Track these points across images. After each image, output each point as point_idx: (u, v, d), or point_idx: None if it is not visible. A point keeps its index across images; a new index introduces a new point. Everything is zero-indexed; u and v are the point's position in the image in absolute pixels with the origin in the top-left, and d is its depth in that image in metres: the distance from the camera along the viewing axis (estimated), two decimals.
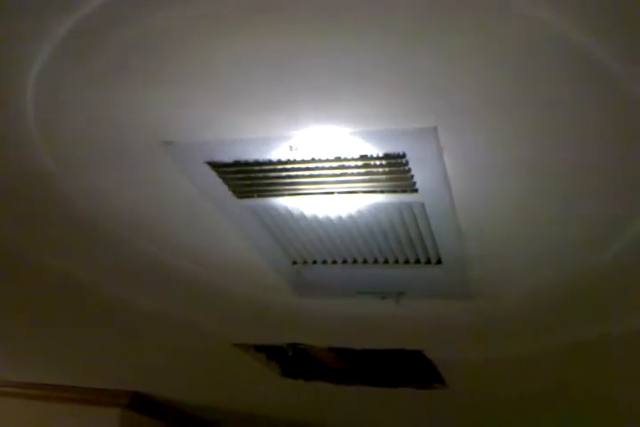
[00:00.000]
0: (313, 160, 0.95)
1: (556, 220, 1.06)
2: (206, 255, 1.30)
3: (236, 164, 0.98)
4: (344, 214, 1.09)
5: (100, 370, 2.60)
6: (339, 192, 1.02)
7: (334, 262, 1.27)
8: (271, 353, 2.08)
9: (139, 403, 2.81)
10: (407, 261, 1.25)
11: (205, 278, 1.44)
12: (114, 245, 1.33)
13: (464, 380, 2.03)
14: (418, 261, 1.24)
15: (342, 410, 2.70)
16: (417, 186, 0.98)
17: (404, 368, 2.09)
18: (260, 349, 2.01)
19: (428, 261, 1.24)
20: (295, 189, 1.02)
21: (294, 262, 1.29)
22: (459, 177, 0.96)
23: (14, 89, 0.88)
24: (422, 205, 1.03)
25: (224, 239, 1.23)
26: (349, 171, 0.97)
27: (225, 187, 1.04)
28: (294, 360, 2.16)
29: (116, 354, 2.31)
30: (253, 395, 2.64)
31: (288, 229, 1.16)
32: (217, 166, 0.99)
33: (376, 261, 1.26)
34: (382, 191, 0.99)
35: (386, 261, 1.25)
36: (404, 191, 0.99)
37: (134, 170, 1.03)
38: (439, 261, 1.23)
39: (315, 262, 1.29)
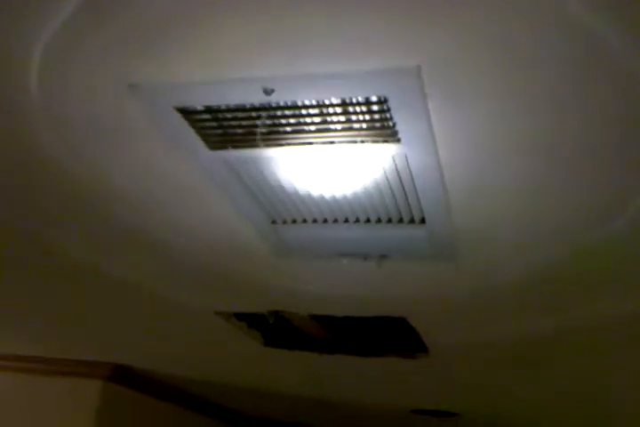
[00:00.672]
0: (290, 106, 0.90)
1: (548, 183, 1.02)
2: (179, 215, 1.25)
3: (208, 110, 0.92)
4: (324, 168, 1.04)
5: (81, 342, 2.56)
6: (319, 143, 0.97)
7: (315, 222, 1.23)
8: (253, 322, 2.04)
9: (120, 375, 2.78)
10: (390, 220, 1.20)
11: (180, 242, 1.39)
12: (86, 209, 1.28)
13: (447, 349, 2.01)
14: (401, 221, 1.20)
15: (325, 381, 2.68)
16: (400, 135, 0.93)
17: (388, 337, 2.07)
18: (241, 317, 1.97)
19: (412, 221, 1.19)
20: (272, 140, 0.97)
21: (273, 222, 1.25)
22: (444, 131, 0.92)
23: (20, 61, 0.86)
24: (405, 158, 0.98)
25: (197, 197, 1.17)
26: (330, 118, 0.92)
27: (196, 137, 0.98)
28: (276, 330, 2.13)
29: (95, 325, 2.27)
30: (236, 366, 2.61)
31: (266, 185, 1.11)
32: (187, 113, 0.93)
33: (357, 220, 1.21)
34: (363, 141, 0.94)
35: (368, 221, 1.21)
36: (385, 141, 0.94)
37: (105, 119, 0.98)
38: (423, 221, 1.19)
39: (294, 222, 1.24)
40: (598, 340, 1.81)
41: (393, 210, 1.16)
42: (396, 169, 1.03)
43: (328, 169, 1.04)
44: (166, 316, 2.04)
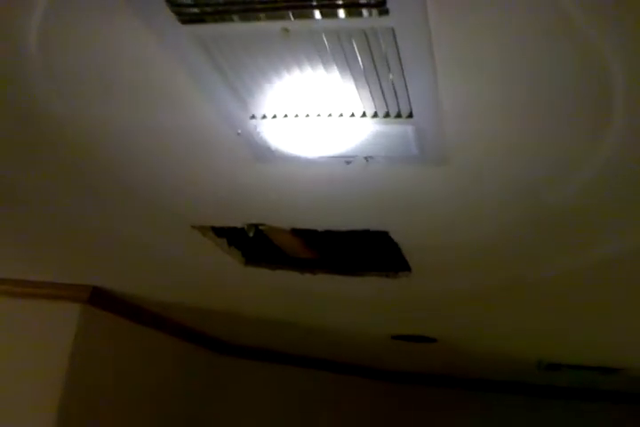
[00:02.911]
0: None
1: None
2: (147, 104, 1.17)
3: None
4: (306, 50, 0.96)
5: (58, 263, 2.51)
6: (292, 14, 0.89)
7: (296, 116, 1.16)
8: (233, 240, 2.00)
9: (99, 298, 2.76)
10: (376, 115, 1.13)
11: (149, 145, 1.32)
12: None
13: (430, 268, 1.99)
14: (387, 115, 1.13)
15: (306, 304, 2.68)
16: (387, 6, 0.85)
17: (370, 256, 2.04)
18: (220, 233, 1.93)
19: (399, 115, 1.13)
20: (252, 9, 0.89)
21: (252, 117, 1.18)
22: (440, 10, 0.84)
23: (19, 22, 0.87)
24: (392, 33, 0.90)
25: (166, 83, 1.09)
26: None
27: (165, 6, 0.89)
28: (257, 248, 2.09)
29: (72, 245, 2.22)
30: (215, 288, 2.59)
31: (244, 70, 1.03)
32: None
33: (342, 115, 1.15)
34: (346, 5, 0.86)
35: (352, 115, 1.14)
36: (369, 5, 0.86)
37: None
38: (410, 115, 1.13)
39: (275, 117, 1.17)
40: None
41: (379, 102, 1.10)
42: (381, 48, 0.95)
43: (311, 52, 0.97)
44: (142, 234, 1.99)
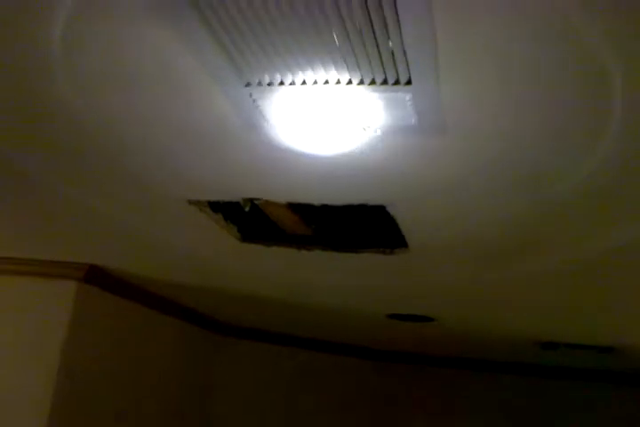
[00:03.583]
0: None
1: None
2: (139, 78, 1.15)
3: None
4: (303, 11, 0.94)
5: (54, 242, 2.49)
6: None
7: (292, 84, 1.13)
8: (229, 215, 1.99)
9: (95, 276, 2.75)
10: (373, 82, 1.11)
11: (142, 118, 1.30)
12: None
13: (427, 245, 1.98)
14: (385, 82, 1.11)
15: (302, 281, 2.67)
16: None
17: (367, 232, 2.03)
18: (216, 209, 1.91)
19: (397, 82, 1.11)
20: None
21: (247, 84, 1.15)
22: None
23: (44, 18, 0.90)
24: None
25: (159, 52, 1.07)
26: None
27: None
28: (254, 225, 2.08)
29: (68, 223, 2.20)
30: (212, 267, 2.58)
31: (237, 34, 1.01)
32: None
33: (338, 82, 1.12)
34: None
35: (349, 82, 1.12)
36: None
37: None
38: (409, 82, 1.10)
39: (270, 84, 1.14)
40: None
41: (377, 68, 1.07)
42: (383, 15, 0.93)
43: (307, 13, 0.94)
44: (138, 211, 1.97)
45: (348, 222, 1.97)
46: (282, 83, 1.14)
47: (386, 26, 0.96)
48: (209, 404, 4.00)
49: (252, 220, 2.03)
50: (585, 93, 1.08)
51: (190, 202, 1.80)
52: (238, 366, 4.23)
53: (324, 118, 1.24)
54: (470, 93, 1.12)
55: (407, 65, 1.06)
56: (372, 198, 1.63)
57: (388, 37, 0.99)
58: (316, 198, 1.68)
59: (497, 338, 3.61)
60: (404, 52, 1.02)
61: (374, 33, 0.98)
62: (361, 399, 4.72)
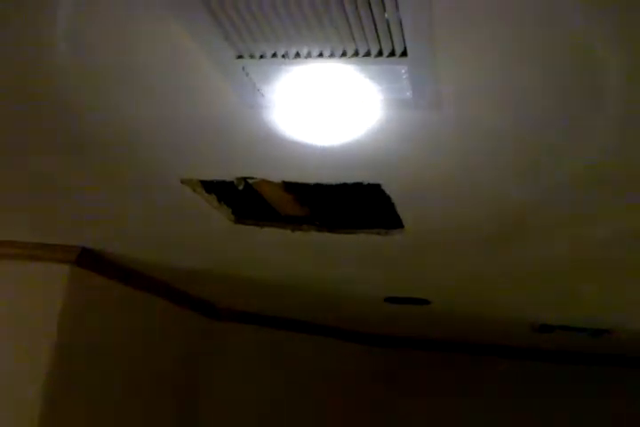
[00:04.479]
0: None
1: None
2: (128, 43, 1.12)
3: None
4: None
5: (44, 224, 2.47)
6: None
7: (284, 56, 1.11)
8: (222, 195, 1.96)
9: (87, 260, 2.73)
10: (368, 54, 1.09)
11: (134, 91, 1.27)
12: None
13: (422, 222, 1.96)
14: (380, 54, 1.08)
15: (297, 264, 2.65)
16: None
17: (362, 213, 2.01)
18: (209, 189, 1.89)
19: (392, 53, 1.08)
20: None
21: (239, 56, 1.12)
22: None
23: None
24: None
25: (145, 17, 1.04)
26: None
27: None
28: (247, 206, 2.05)
29: (58, 206, 2.17)
30: (206, 249, 2.57)
31: (228, 3, 0.98)
32: None
33: (332, 55, 1.10)
34: None
35: (344, 54, 1.09)
36: None
37: None
38: (404, 53, 1.08)
39: (262, 57, 1.12)
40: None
41: (372, 39, 1.05)
42: None
43: None
44: (130, 193, 1.94)
45: (344, 203, 1.95)
46: (274, 55, 1.11)
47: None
48: (203, 387, 4.00)
49: (245, 201, 2.01)
50: (583, 78, 1.07)
51: (183, 181, 1.78)
52: (233, 349, 4.22)
53: (319, 92, 1.21)
54: (467, 67, 1.10)
55: (402, 35, 1.03)
56: (367, 177, 1.61)
57: (384, 6, 0.97)
58: (310, 177, 1.66)
59: (492, 321, 3.62)
60: (400, 22, 1.00)
61: (369, 1, 0.96)
62: (360, 383, 4.74)
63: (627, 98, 1.13)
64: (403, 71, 1.12)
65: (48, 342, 2.59)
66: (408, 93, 1.19)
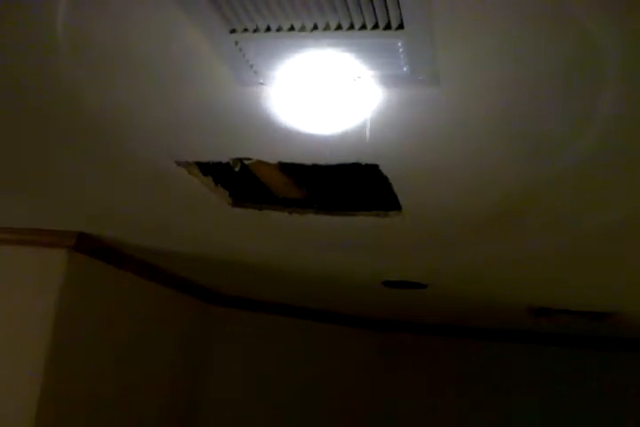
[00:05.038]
0: None
1: None
2: (118, 14, 1.10)
3: None
4: None
5: (42, 209, 2.45)
6: None
7: (279, 30, 1.09)
8: (219, 178, 1.95)
9: (85, 244, 2.72)
10: (364, 27, 1.07)
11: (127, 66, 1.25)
12: None
13: (420, 203, 1.94)
14: (376, 26, 1.06)
15: (294, 248, 2.64)
16: None
17: (360, 195, 2.00)
18: (206, 172, 1.87)
19: (388, 26, 1.06)
20: None
21: (233, 31, 1.10)
22: None
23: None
24: None
25: None
26: None
27: None
28: (245, 189, 2.04)
29: (56, 190, 2.15)
30: (203, 233, 2.55)
31: None
32: None
33: (327, 28, 1.08)
34: None
35: (339, 27, 1.07)
36: None
37: None
38: (401, 26, 1.06)
39: (256, 30, 1.10)
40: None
41: (367, 11, 1.03)
42: None
43: None
44: (126, 177, 1.93)
45: (341, 185, 1.94)
46: (268, 29, 1.09)
47: None
48: (203, 373, 4.01)
49: (242, 184, 1.99)
50: (581, 58, 1.06)
51: (179, 163, 1.76)
52: (234, 336, 4.23)
53: (314, 68, 1.19)
54: (465, 42, 1.08)
55: (399, 7, 1.01)
56: (364, 157, 1.59)
57: None
58: (307, 158, 1.64)
59: (490, 304, 3.61)
60: None
61: None
62: (361, 368, 4.75)
63: (627, 78, 1.11)
64: (399, 45, 1.10)
65: (46, 325, 2.58)
66: (405, 69, 1.17)
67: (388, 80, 1.21)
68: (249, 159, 1.68)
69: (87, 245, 2.71)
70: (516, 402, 4.52)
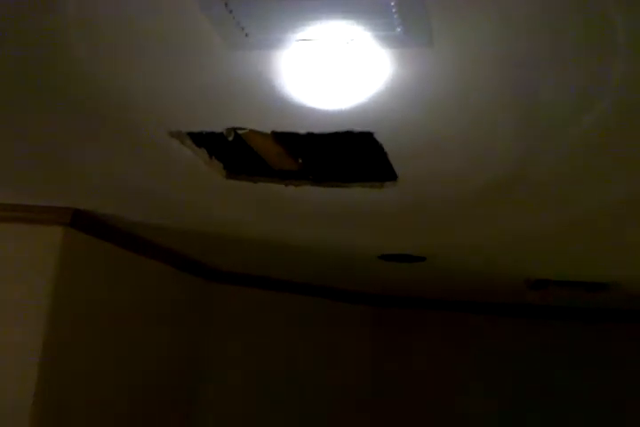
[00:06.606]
0: None
1: None
2: None
3: None
4: None
5: (36, 185, 2.44)
6: None
7: None
8: (213, 150, 1.93)
9: (81, 221, 2.70)
10: None
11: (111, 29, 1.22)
12: None
13: (416, 173, 1.93)
14: None
15: (290, 221, 2.63)
16: None
17: (355, 166, 1.98)
18: (199, 143, 1.85)
19: None
20: None
21: None
22: None
23: None
24: None
25: None
26: None
27: None
28: (239, 161, 2.02)
29: (49, 166, 2.13)
30: (200, 209, 2.55)
31: None
32: None
33: None
34: None
35: None
36: None
37: None
38: None
39: None
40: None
41: None
42: None
43: None
44: (120, 150, 1.91)
45: (336, 155, 1.92)
46: None
47: None
48: (202, 349, 4.02)
49: (237, 156, 1.97)
50: (587, 33, 1.04)
51: (172, 134, 1.74)
52: (233, 312, 4.24)
53: (304, 30, 1.17)
54: (460, 1, 1.05)
55: None
56: (358, 124, 1.57)
57: None
58: (300, 126, 1.62)
59: (487, 277, 3.62)
60: None
61: None
62: (361, 344, 4.77)
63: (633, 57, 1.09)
64: (392, 4, 1.08)
65: (43, 303, 2.58)
66: (398, 29, 1.14)
67: (381, 41, 1.19)
68: (242, 129, 1.66)
69: (83, 222, 2.69)
70: (515, 376, 4.55)
